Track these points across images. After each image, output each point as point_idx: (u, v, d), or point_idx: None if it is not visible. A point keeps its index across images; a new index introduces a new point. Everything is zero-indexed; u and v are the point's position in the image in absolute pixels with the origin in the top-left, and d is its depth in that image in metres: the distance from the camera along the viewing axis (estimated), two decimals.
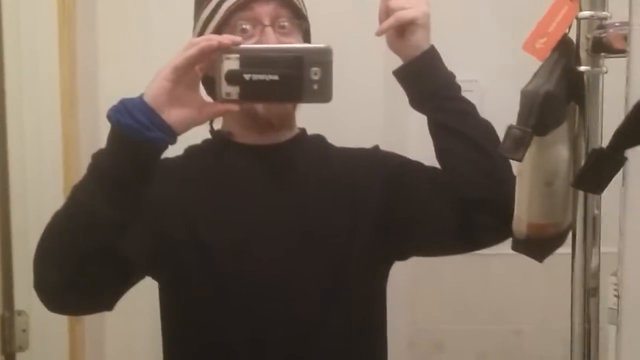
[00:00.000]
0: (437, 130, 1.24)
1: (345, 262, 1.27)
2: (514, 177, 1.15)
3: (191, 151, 1.35)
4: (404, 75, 1.24)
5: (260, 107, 1.25)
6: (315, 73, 1.08)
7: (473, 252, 1.31)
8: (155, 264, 1.26)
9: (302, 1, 1.33)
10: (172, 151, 1.21)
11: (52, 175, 1.82)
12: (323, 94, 1.09)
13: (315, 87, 1.09)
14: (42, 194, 1.81)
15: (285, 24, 1.25)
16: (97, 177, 1.08)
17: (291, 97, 1.14)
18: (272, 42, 1.20)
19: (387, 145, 1.41)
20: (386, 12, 1.22)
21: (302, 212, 1.27)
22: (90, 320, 1.89)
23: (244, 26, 1.23)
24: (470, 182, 1.19)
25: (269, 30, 1.22)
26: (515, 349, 1.94)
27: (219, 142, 1.33)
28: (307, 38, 1.32)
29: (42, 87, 1.83)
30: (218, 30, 1.25)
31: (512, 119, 1.05)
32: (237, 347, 1.24)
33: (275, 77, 1.08)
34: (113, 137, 1.07)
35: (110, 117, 1.06)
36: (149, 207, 1.16)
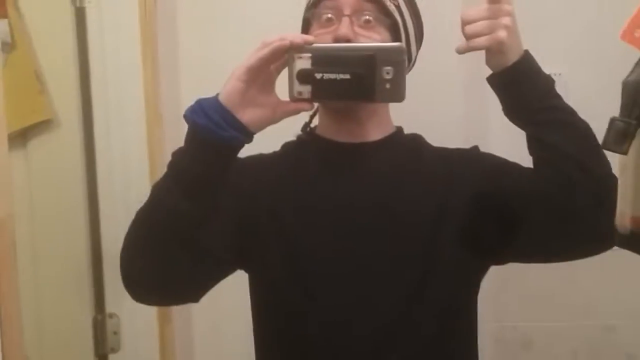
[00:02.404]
0: (533, 144, 1.19)
1: (430, 264, 1.25)
2: (615, 187, 1.10)
3: (286, 148, 1.37)
4: (494, 83, 1.19)
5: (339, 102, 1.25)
6: (387, 72, 1.07)
7: None
8: (242, 257, 1.28)
9: (400, 1, 1.29)
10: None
11: (140, 183, 1.86)
12: (396, 93, 1.09)
13: (388, 86, 1.08)
14: (130, 199, 1.86)
15: (370, 18, 1.24)
16: (175, 175, 1.12)
17: (363, 96, 1.12)
18: (345, 32, 1.19)
19: (469, 141, 1.40)
20: None
21: (388, 213, 1.26)
22: (179, 320, 1.93)
23: (328, 15, 1.24)
24: (568, 196, 1.15)
25: (345, 20, 1.21)
26: (608, 345, 1.90)
27: (312, 140, 1.35)
28: (396, 35, 1.28)
29: (127, 95, 1.89)
30: (308, 20, 1.28)
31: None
32: (323, 341, 1.25)
33: (347, 76, 1.08)
34: (190, 136, 1.10)
35: (187, 117, 1.09)
36: (238, 201, 1.21)
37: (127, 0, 1.85)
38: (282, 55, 1.09)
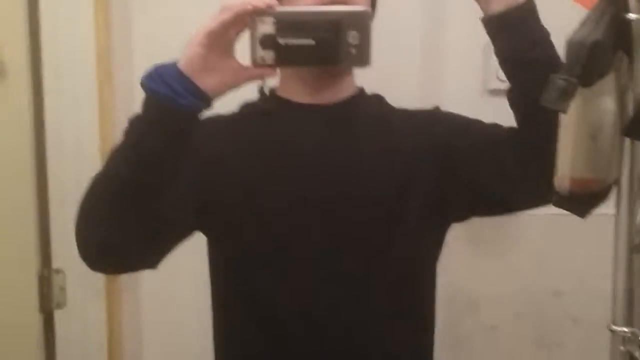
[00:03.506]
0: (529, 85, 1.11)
1: (397, 222, 1.26)
2: None
3: (246, 108, 1.34)
4: (486, 28, 1.18)
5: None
6: (353, 37, 1.06)
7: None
8: (204, 221, 1.27)
9: None
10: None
11: (89, 137, 1.83)
12: (361, 58, 1.07)
13: (353, 51, 1.06)
14: (79, 154, 1.82)
15: None
16: (132, 144, 1.08)
17: (328, 62, 1.10)
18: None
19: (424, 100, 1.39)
20: None
21: (357, 172, 1.26)
22: (127, 277, 1.90)
23: None
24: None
25: None
26: (554, 310, 1.92)
27: (273, 101, 1.32)
28: (373, 2, 1.28)
29: (78, 51, 1.83)
30: None
31: None
32: (286, 303, 1.25)
33: (312, 42, 1.05)
34: (147, 104, 1.06)
35: (143, 84, 1.05)
36: (199, 164, 1.19)
37: None
38: (243, 19, 1.05)
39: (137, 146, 1.07)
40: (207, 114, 1.11)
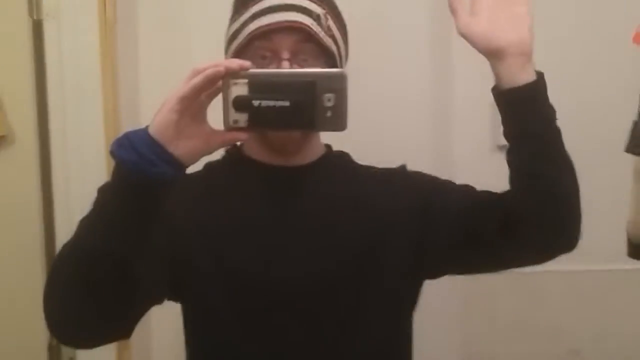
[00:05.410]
0: (527, 156, 1.15)
1: (370, 286, 1.25)
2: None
3: (211, 168, 1.31)
4: (494, 98, 1.17)
5: (271, 133, 1.22)
6: (328, 99, 1.02)
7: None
8: (175, 286, 1.23)
9: (333, 29, 1.26)
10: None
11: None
12: (337, 121, 1.03)
13: (329, 114, 1.02)
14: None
15: (307, 59, 1.20)
16: (102, 214, 1.04)
17: (303, 125, 1.06)
18: None
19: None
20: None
21: (326, 234, 1.25)
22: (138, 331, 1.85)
23: (263, 53, 1.20)
24: (549, 209, 1.14)
25: (285, 64, 1.18)
26: None
27: (239, 161, 1.31)
28: (334, 67, 1.24)
29: (86, 110, 1.83)
30: (239, 52, 1.23)
31: None
32: None
33: (286, 104, 1.01)
34: (117, 173, 1.01)
35: (113, 152, 1.00)
36: (168, 228, 1.13)
37: (86, 12, 1.80)
38: (216, 82, 1.02)
39: (106, 215, 1.03)
40: None
